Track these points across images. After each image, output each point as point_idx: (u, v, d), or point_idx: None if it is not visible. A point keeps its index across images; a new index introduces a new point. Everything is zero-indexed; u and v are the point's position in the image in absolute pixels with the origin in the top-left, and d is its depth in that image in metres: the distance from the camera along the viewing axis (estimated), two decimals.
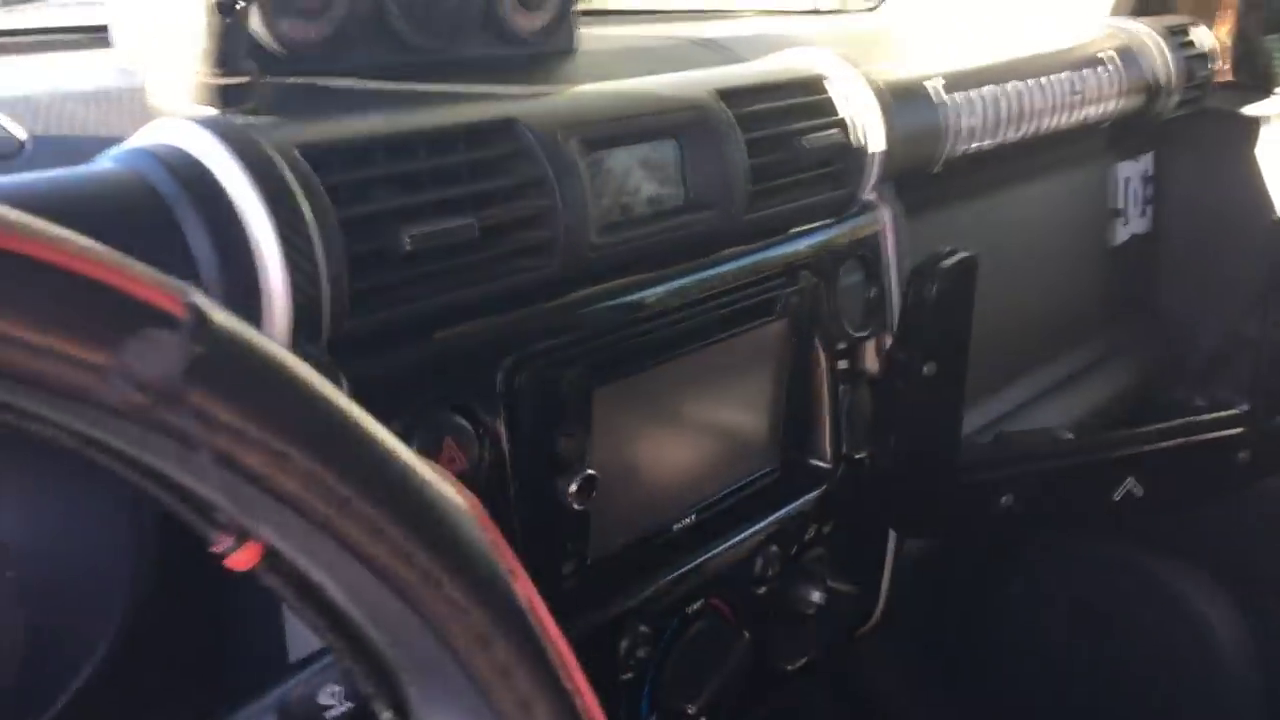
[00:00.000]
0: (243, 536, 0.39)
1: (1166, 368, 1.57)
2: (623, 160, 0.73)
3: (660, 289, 0.76)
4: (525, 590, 0.39)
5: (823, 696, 1.31)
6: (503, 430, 0.65)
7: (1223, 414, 1.05)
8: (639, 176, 0.75)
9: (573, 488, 0.68)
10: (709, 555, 0.81)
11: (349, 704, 0.47)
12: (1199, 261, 1.64)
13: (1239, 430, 1.02)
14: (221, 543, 0.39)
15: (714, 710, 0.82)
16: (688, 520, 0.81)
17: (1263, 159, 1.56)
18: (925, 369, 0.88)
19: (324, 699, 0.47)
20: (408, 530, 0.36)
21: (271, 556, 0.39)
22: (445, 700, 0.39)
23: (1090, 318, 1.49)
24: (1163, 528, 1.56)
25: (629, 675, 0.76)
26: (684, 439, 0.79)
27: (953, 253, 0.88)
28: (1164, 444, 1.00)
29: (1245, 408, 1.03)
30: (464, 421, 0.63)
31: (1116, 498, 0.99)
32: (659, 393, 0.76)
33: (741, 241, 0.82)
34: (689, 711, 0.79)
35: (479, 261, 0.65)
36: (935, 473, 0.92)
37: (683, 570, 0.79)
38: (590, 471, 0.69)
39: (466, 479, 0.64)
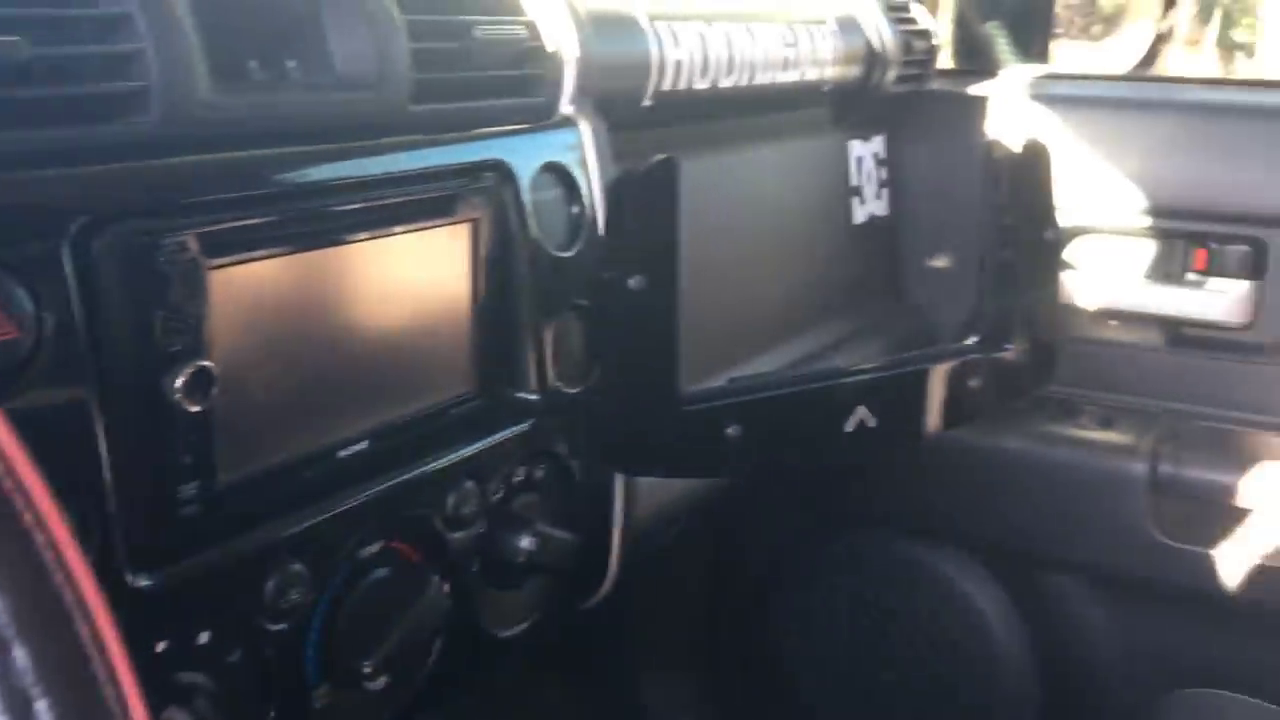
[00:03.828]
0: None
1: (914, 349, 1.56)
2: (242, 11, 0.63)
3: (303, 167, 0.65)
4: None
5: (567, 692, 1.20)
6: (75, 304, 0.53)
7: (952, 345, 1.03)
8: (267, 36, 0.64)
9: (179, 382, 0.56)
10: (386, 488, 0.70)
11: None
12: (937, 246, 1.65)
13: (970, 358, 0.99)
14: None
15: (402, 671, 0.70)
16: (359, 446, 0.69)
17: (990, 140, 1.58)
18: (632, 282, 0.80)
19: None
20: None
21: None
22: None
23: (836, 295, 1.47)
24: (934, 517, 1.54)
25: (282, 625, 0.63)
26: (349, 347, 0.68)
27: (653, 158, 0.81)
28: (894, 372, 0.96)
29: (975, 340, 1.01)
30: (13, 283, 0.50)
31: (849, 429, 0.93)
32: (312, 286, 0.65)
33: (409, 132, 0.73)
34: (365, 670, 0.66)
35: (40, 99, 0.53)
36: (651, 399, 0.84)
37: (351, 504, 0.67)
38: (204, 364, 0.57)
39: (20, 352, 0.51)
